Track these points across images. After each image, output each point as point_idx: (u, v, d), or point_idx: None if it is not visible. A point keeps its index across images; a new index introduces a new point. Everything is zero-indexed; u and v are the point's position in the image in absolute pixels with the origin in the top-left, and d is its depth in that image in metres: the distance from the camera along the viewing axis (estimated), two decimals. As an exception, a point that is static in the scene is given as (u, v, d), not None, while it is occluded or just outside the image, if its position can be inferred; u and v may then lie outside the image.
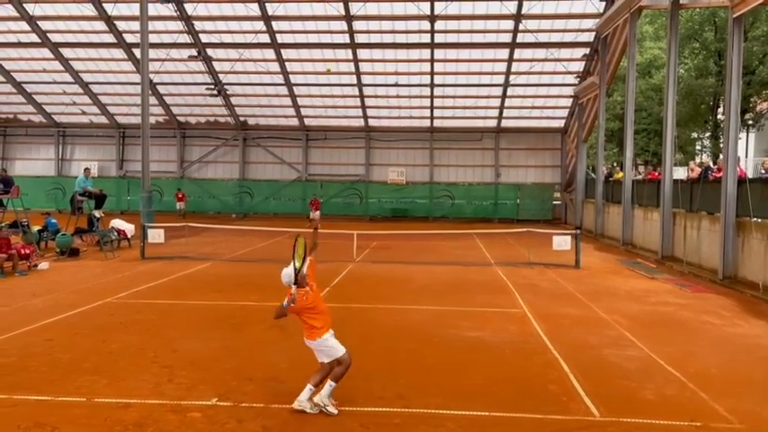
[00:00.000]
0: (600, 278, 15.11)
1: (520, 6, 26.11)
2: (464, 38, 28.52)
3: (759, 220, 13.85)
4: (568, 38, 27.94)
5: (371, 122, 34.50)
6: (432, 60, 29.61)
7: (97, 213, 19.50)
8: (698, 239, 16.70)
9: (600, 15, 25.35)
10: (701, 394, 6.87)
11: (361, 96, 32.37)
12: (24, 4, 27.96)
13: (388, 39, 28.88)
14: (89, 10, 27.82)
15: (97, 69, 31.88)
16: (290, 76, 31.10)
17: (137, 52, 26.14)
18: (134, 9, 24.55)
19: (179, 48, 29.35)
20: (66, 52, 30.82)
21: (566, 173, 33.42)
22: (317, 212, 28.82)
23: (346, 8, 26.79)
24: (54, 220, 19.36)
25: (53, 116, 35.80)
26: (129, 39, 29.01)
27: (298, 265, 6.03)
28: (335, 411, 6.12)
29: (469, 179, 34.88)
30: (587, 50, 28.24)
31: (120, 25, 28.68)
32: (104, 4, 27.65)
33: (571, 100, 31.31)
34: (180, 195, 33.41)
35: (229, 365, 7.64)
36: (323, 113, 33.94)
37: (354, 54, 29.48)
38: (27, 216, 18.11)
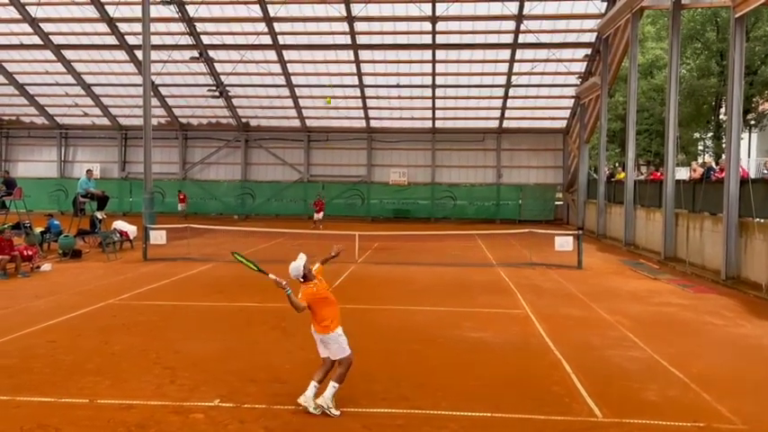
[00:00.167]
0: (602, 279, 15.09)
1: (521, 7, 26.10)
2: (466, 39, 28.50)
3: (761, 221, 13.82)
4: (570, 38, 27.92)
5: (373, 123, 34.51)
6: (433, 61, 29.60)
7: (99, 215, 19.51)
8: (700, 240, 16.67)
9: (601, 16, 25.33)
10: (703, 395, 6.85)
11: (363, 97, 32.38)
12: (27, 7, 28.03)
13: (389, 40, 28.89)
14: (91, 12, 27.87)
15: (99, 71, 31.93)
16: (292, 77, 31.12)
17: (138, 54, 26.18)
18: (136, 11, 24.56)
19: (181, 49, 29.41)
20: (69, 54, 30.88)
21: (568, 173, 33.39)
22: (321, 213, 28.82)
23: (348, 9, 26.80)
24: (56, 222, 19.38)
25: (55, 118, 35.86)
26: (131, 40, 29.05)
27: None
28: (338, 413, 6.12)
29: (471, 180, 34.86)
30: (589, 51, 28.21)
31: (122, 27, 28.75)
32: (106, 6, 27.71)
33: (573, 100, 31.28)
34: (181, 197, 33.45)
35: (231, 367, 7.64)
36: (324, 114, 33.98)
37: (356, 55, 29.50)
38: (30, 218, 18.12)
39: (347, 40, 28.70)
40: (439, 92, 31.63)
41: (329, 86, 30.54)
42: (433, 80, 30.77)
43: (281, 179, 35.65)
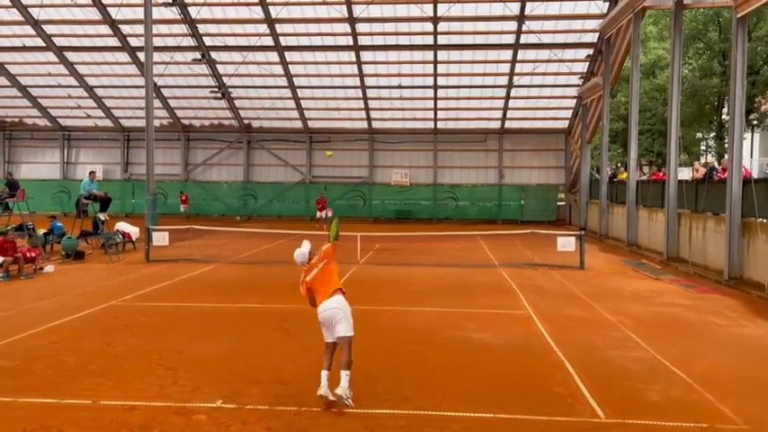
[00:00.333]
0: (604, 279, 15.08)
1: (523, 7, 26.09)
2: (467, 39, 28.51)
3: (764, 221, 13.80)
4: (572, 39, 27.89)
5: (375, 124, 34.52)
6: (435, 62, 29.61)
7: (102, 216, 19.54)
8: (703, 240, 16.65)
9: (603, 16, 25.31)
10: (706, 395, 6.84)
11: (365, 98, 32.39)
12: (29, 9, 28.11)
13: (391, 41, 28.92)
14: (93, 14, 27.91)
15: (102, 73, 31.99)
16: (294, 78, 31.15)
17: (141, 56, 26.26)
18: (138, 13, 24.60)
19: (183, 51, 29.45)
20: (71, 56, 30.94)
21: (570, 174, 33.36)
22: (324, 212, 28.84)
23: (349, 11, 26.82)
24: (59, 224, 19.42)
25: (58, 120, 35.94)
26: (134, 42, 29.11)
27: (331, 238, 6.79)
28: (353, 404, 6.29)
29: (473, 180, 34.84)
30: (591, 51, 28.19)
31: (125, 29, 28.80)
32: (109, 8, 27.77)
33: (575, 101, 31.25)
34: (183, 198, 33.50)
35: (234, 368, 7.64)
36: (326, 116, 34.01)
37: (358, 56, 29.52)
38: (32, 219, 18.18)
39: (349, 41, 28.73)
40: (441, 92, 31.63)
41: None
42: (435, 81, 30.77)
43: (284, 180, 35.67)
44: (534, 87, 31.01)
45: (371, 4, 26.32)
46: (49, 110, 35.15)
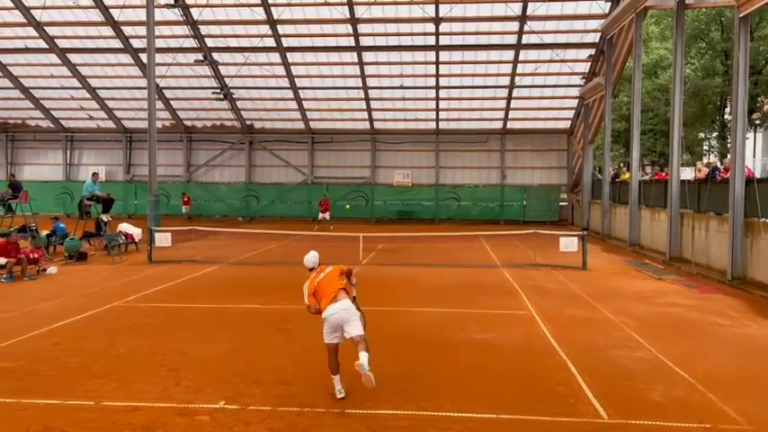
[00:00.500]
0: (607, 279, 15.06)
1: (525, 8, 26.06)
2: (469, 40, 28.49)
3: (767, 221, 13.77)
4: (574, 39, 27.86)
5: (377, 125, 34.52)
6: (437, 63, 29.61)
7: (105, 217, 19.58)
8: (706, 240, 16.62)
9: (605, 16, 25.28)
10: (709, 396, 6.83)
11: (367, 99, 32.39)
12: (32, 10, 28.17)
13: (393, 41, 28.92)
14: (96, 15, 27.97)
15: (104, 74, 32.05)
16: (296, 79, 31.17)
17: (143, 57, 26.26)
18: (140, 14, 24.62)
19: (185, 52, 29.48)
20: (74, 58, 30.99)
21: (572, 174, 33.31)
22: (327, 213, 28.84)
23: (351, 11, 26.83)
24: (62, 225, 19.47)
25: (61, 121, 36.01)
26: (136, 44, 29.15)
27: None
28: (372, 375, 6.25)
29: (475, 181, 34.82)
30: (593, 51, 28.16)
31: (127, 30, 28.85)
32: (111, 10, 27.81)
33: (577, 101, 31.21)
34: (185, 199, 33.53)
35: (236, 368, 7.65)
36: (328, 116, 34.02)
37: (360, 57, 29.53)
38: (35, 221, 18.22)
39: (351, 42, 28.73)
40: (443, 93, 31.62)
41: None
42: (437, 81, 30.78)
43: (286, 181, 35.68)
44: (536, 88, 30.96)
45: (373, 4, 26.34)
46: (51, 111, 35.22)
